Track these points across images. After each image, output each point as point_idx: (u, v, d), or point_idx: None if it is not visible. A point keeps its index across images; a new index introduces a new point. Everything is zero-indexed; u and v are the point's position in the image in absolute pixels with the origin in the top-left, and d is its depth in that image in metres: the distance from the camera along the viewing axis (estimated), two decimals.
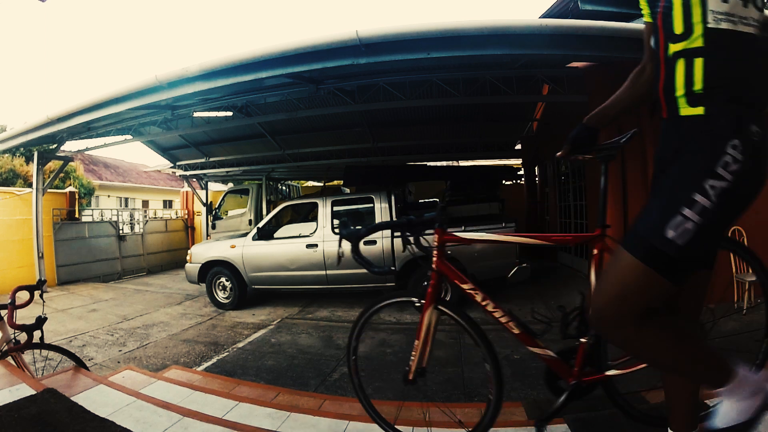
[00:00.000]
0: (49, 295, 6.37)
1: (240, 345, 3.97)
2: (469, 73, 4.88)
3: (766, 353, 1.56)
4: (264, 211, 9.45)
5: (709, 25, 0.86)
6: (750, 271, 4.29)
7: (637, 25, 3.34)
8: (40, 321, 2.12)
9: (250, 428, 1.73)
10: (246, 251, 5.36)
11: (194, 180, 10.93)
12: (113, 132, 6.83)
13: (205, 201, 10.73)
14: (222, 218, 9.58)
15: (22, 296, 2.17)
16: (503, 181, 10.13)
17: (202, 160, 9.63)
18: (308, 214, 6.44)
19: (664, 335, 0.93)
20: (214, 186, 11.64)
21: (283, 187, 12.50)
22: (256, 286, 5.48)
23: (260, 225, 5.53)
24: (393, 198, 5.21)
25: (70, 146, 7.50)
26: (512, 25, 3.20)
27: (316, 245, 5.13)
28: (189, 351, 3.89)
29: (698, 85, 0.89)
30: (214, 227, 9.52)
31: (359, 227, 1.50)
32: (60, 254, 7.66)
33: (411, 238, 1.48)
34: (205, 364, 3.53)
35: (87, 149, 8.21)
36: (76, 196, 8.64)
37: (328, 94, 5.33)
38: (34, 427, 1.45)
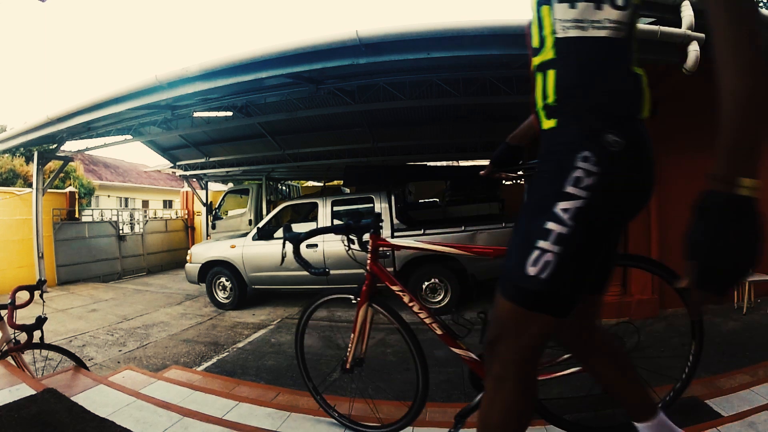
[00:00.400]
0: (49, 295, 6.37)
1: (240, 345, 3.97)
2: (469, 73, 4.88)
3: (691, 369, 1.64)
4: (264, 211, 9.45)
5: (558, 36, 0.82)
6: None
7: (637, 25, 3.35)
8: (40, 321, 2.12)
9: (250, 428, 1.73)
10: (246, 251, 5.36)
11: (194, 180, 10.93)
12: (113, 132, 6.83)
13: (205, 201, 10.73)
14: (222, 218, 9.58)
15: (22, 296, 2.17)
16: (503, 181, 10.13)
17: (202, 160, 9.62)
18: (308, 214, 6.44)
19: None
20: (214, 186, 11.64)
21: (283, 187, 12.50)
22: (256, 286, 5.48)
23: (260, 225, 5.53)
24: (393, 198, 5.21)
25: (70, 146, 7.50)
26: (512, 25, 3.20)
27: (316, 245, 5.13)
28: (189, 351, 3.90)
29: (551, 97, 0.86)
30: (214, 227, 9.52)
31: (300, 231, 1.65)
32: (60, 254, 7.66)
33: (353, 240, 1.61)
34: (205, 364, 3.53)
35: (87, 149, 8.20)
36: (76, 196, 8.65)
37: (328, 94, 5.32)
38: (34, 427, 1.45)
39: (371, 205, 5.22)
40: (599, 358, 1.18)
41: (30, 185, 8.18)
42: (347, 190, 9.21)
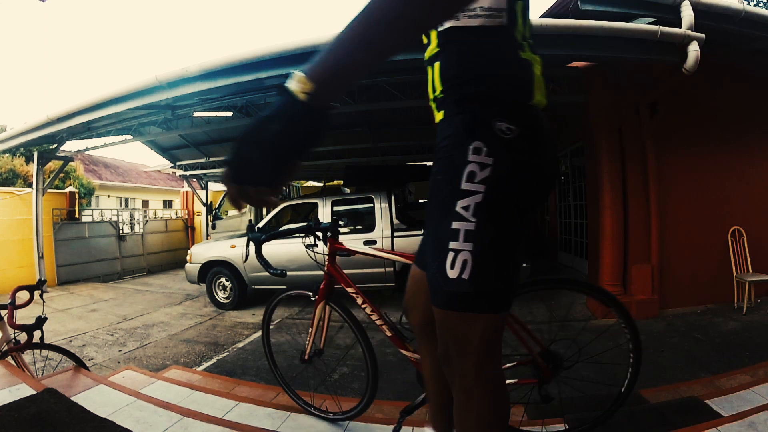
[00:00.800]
0: (49, 295, 6.37)
1: (240, 345, 3.97)
2: None
3: (631, 381, 1.66)
4: (264, 211, 9.45)
5: (438, 28, 0.81)
6: (752, 273, 4.29)
7: (637, 25, 3.34)
8: (40, 321, 2.12)
9: (250, 428, 1.73)
10: (246, 251, 5.36)
11: (194, 180, 10.92)
12: (113, 132, 6.82)
13: (205, 201, 10.73)
14: (222, 218, 9.58)
15: (22, 296, 2.17)
16: None
17: (202, 160, 9.62)
18: (308, 214, 6.44)
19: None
20: (214, 186, 11.64)
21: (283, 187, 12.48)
22: (256, 286, 5.48)
23: (260, 225, 5.53)
24: (393, 198, 5.21)
25: (70, 146, 7.49)
26: None
27: (316, 245, 5.13)
28: (189, 351, 3.89)
29: (438, 89, 0.84)
30: (214, 227, 9.52)
31: (261, 233, 1.74)
32: (60, 254, 7.66)
33: (312, 242, 1.74)
34: (205, 364, 3.53)
35: (87, 149, 8.20)
36: (76, 196, 8.64)
37: None
38: (34, 427, 1.44)
39: (371, 205, 5.22)
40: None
41: (30, 185, 8.18)
42: (347, 190, 9.21)
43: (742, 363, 2.93)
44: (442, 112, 0.84)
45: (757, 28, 3.52)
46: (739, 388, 2.05)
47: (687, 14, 3.19)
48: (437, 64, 0.84)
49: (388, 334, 1.57)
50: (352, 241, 5.10)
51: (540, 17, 3.88)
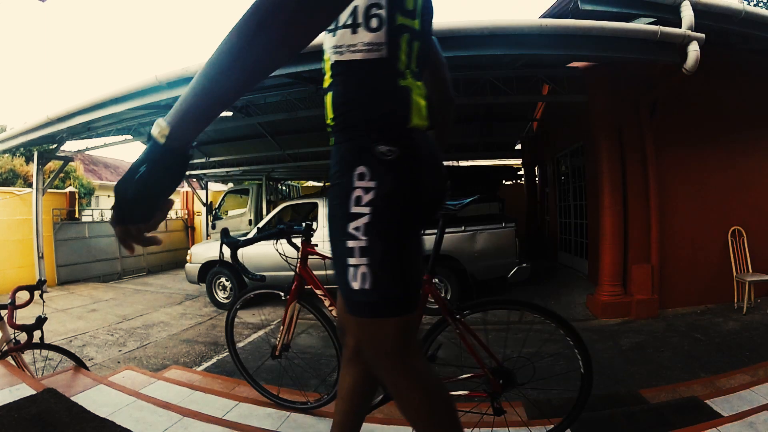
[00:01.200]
0: (49, 295, 6.36)
1: (240, 345, 3.97)
2: (469, 73, 4.88)
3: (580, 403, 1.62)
4: (264, 211, 9.45)
5: (330, 61, 0.89)
6: (752, 274, 4.29)
7: (637, 25, 3.35)
8: (40, 321, 2.12)
9: (250, 428, 1.73)
10: (246, 251, 5.35)
11: (194, 180, 10.92)
12: (113, 132, 6.82)
13: (205, 201, 10.72)
14: (222, 218, 9.58)
15: (22, 296, 2.17)
16: (503, 181, 10.13)
17: (202, 160, 9.61)
18: (308, 214, 6.44)
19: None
20: (214, 186, 11.63)
21: (283, 187, 12.50)
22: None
23: (260, 225, 5.53)
24: None
25: (70, 146, 7.49)
26: (512, 25, 3.20)
27: (316, 245, 5.13)
28: (189, 351, 3.89)
29: (329, 117, 0.92)
30: (214, 227, 9.52)
31: (238, 238, 1.83)
32: (60, 254, 7.66)
33: (281, 244, 1.80)
34: (205, 364, 3.53)
35: (87, 149, 8.20)
36: (76, 196, 8.64)
37: None
38: (34, 427, 1.45)
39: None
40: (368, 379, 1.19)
41: (30, 185, 8.18)
42: None
43: (742, 363, 2.93)
44: (332, 140, 0.93)
45: (757, 28, 3.52)
46: (739, 388, 2.05)
47: (687, 14, 3.19)
48: (329, 95, 0.92)
49: None
50: None
51: (540, 17, 3.88)
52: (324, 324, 1.80)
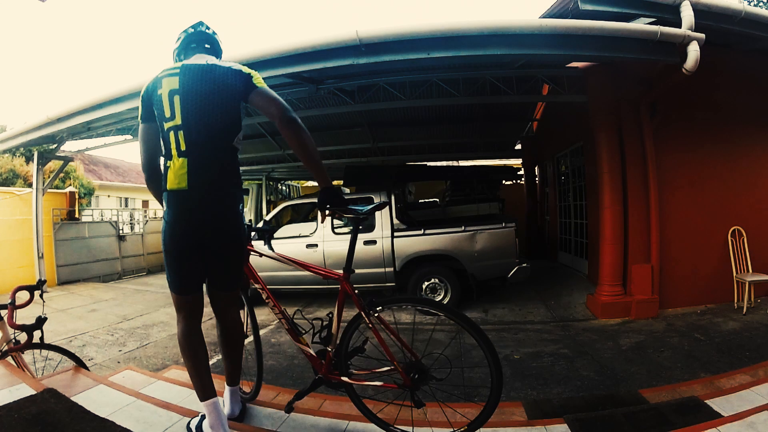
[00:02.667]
0: (49, 295, 6.37)
1: None
2: (469, 73, 4.87)
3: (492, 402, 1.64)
4: (264, 211, 9.44)
5: None
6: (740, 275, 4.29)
7: (637, 25, 3.34)
8: (40, 321, 2.12)
9: (250, 428, 1.73)
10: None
11: None
12: (113, 132, 6.82)
13: None
14: None
15: (22, 296, 2.17)
16: (503, 181, 10.13)
17: None
18: (308, 214, 6.44)
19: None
20: None
21: (283, 187, 12.50)
22: (255, 286, 5.47)
23: (260, 226, 5.53)
24: (393, 198, 5.21)
25: (70, 146, 7.49)
26: (512, 25, 3.20)
27: (316, 245, 5.13)
28: None
29: None
30: None
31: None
32: (60, 254, 7.66)
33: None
34: None
35: (87, 149, 8.19)
36: (76, 196, 8.64)
37: (328, 94, 5.32)
38: (34, 427, 1.45)
39: (371, 205, 5.22)
40: (220, 329, 1.73)
41: (30, 185, 8.18)
42: (347, 190, 9.21)
43: (742, 363, 2.93)
44: None
45: (757, 28, 3.52)
46: (739, 388, 2.05)
47: (687, 14, 3.18)
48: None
49: (286, 327, 1.79)
50: None
51: (540, 17, 3.88)
52: (252, 319, 2.13)
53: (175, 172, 1.42)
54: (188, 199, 1.43)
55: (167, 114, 1.43)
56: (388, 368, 1.66)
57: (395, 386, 1.64)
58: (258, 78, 1.61)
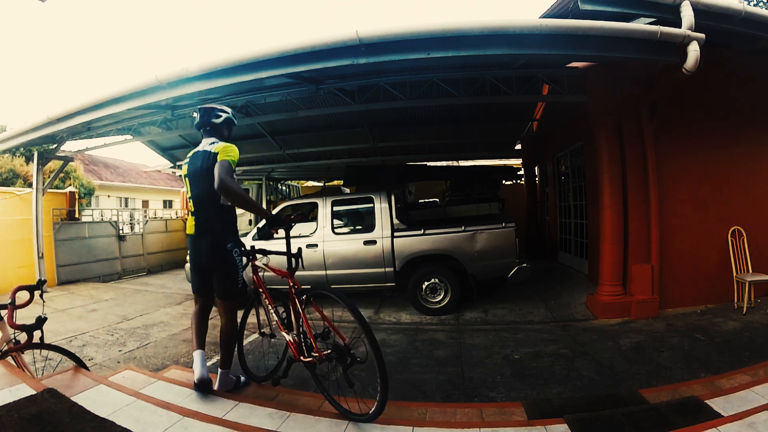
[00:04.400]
0: (49, 295, 6.36)
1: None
2: (469, 73, 4.87)
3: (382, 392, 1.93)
4: None
5: None
6: (751, 271, 4.29)
7: (637, 25, 3.34)
8: (40, 321, 2.13)
9: (250, 428, 1.73)
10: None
11: None
12: (113, 132, 6.82)
13: None
14: None
15: (22, 296, 2.17)
16: (503, 181, 10.14)
17: None
18: (308, 214, 6.44)
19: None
20: None
21: (283, 187, 12.50)
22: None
23: (260, 225, 5.52)
24: (393, 198, 5.20)
25: (70, 146, 7.49)
26: (512, 25, 3.20)
27: (316, 245, 5.13)
28: (189, 351, 3.89)
29: None
30: None
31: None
32: (60, 254, 7.66)
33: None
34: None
35: (87, 149, 8.19)
36: (76, 196, 8.64)
37: (328, 94, 5.32)
38: (34, 427, 1.44)
39: (371, 205, 5.22)
40: (220, 327, 2.41)
41: (30, 185, 8.18)
42: (347, 190, 9.21)
43: (742, 363, 2.93)
44: None
45: (757, 28, 3.52)
46: (739, 388, 2.05)
47: (687, 14, 3.18)
48: None
49: (276, 320, 2.45)
50: (352, 241, 5.10)
51: (540, 17, 3.88)
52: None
53: (190, 225, 2.33)
54: (195, 240, 2.32)
55: (186, 188, 2.37)
56: (328, 351, 2.04)
57: (322, 356, 2.04)
58: (224, 152, 2.22)
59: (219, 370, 2.36)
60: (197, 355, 2.31)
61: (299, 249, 2.35)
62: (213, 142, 2.31)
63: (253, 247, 2.44)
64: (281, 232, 2.35)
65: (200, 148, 2.32)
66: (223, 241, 2.25)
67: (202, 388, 2.22)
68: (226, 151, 2.22)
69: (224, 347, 2.36)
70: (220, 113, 2.46)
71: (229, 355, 2.37)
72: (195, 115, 2.44)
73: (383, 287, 5.12)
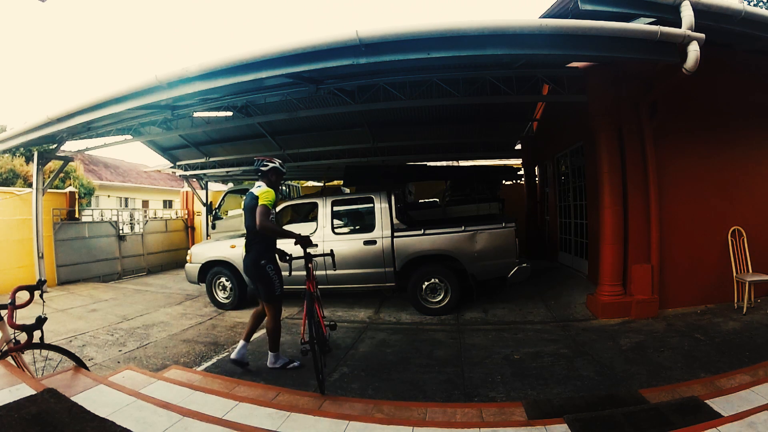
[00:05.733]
0: (49, 295, 6.36)
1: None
2: (469, 73, 4.87)
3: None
4: None
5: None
6: (751, 271, 4.29)
7: (637, 25, 3.34)
8: (40, 321, 2.13)
9: (250, 428, 1.73)
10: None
11: (194, 180, 10.92)
12: (113, 132, 6.82)
13: (205, 201, 10.73)
14: (222, 218, 9.58)
15: (22, 296, 2.18)
16: (503, 181, 10.14)
17: (202, 160, 9.61)
18: (308, 214, 6.43)
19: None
20: (214, 186, 11.63)
21: (283, 187, 12.50)
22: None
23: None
24: (393, 198, 5.20)
25: (70, 146, 7.49)
26: (512, 25, 3.19)
27: (317, 245, 5.13)
28: (189, 351, 3.90)
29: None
30: (214, 227, 9.52)
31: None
32: (60, 254, 7.66)
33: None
34: (205, 364, 3.53)
35: (87, 149, 8.19)
36: (76, 196, 8.64)
37: (328, 94, 5.32)
38: (34, 427, 1.44)
39: (371, 205, 5.22)
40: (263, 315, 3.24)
41: (30, 185, 8.18)
42: (347, 190, 9.21)
43: (742, 363, 2.93)
44: None
45: (757, 28, 3.52)
46: (739, 388, 2.05)
47: (687, 14, 3.18)
48: None
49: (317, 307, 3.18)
50: (352, 241, 5.10)
51: (540, 17, 3.87)
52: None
53: (243, 245, 3.16)
54: (244, 257, 3.15)
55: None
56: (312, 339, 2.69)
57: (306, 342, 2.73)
58: (262, 197, 2.95)
59: (269, 352, 3.26)
60: (240, 343, 3.29)
61: (331, 250, 3.46)
62: (259, 186, 3.11)
63: (308, 252, 3.18)
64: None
65: (253, 188, 3.13)
66: (258, 259, 3.04)
67: (236, 364, 3.22)
68: (265, 196, 2.95)
69: (270, 337, 3.19)
70: (267, 163, 3.17)
71: (275, 342, 3.21)
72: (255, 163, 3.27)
73: (383, 287, 5.12)
